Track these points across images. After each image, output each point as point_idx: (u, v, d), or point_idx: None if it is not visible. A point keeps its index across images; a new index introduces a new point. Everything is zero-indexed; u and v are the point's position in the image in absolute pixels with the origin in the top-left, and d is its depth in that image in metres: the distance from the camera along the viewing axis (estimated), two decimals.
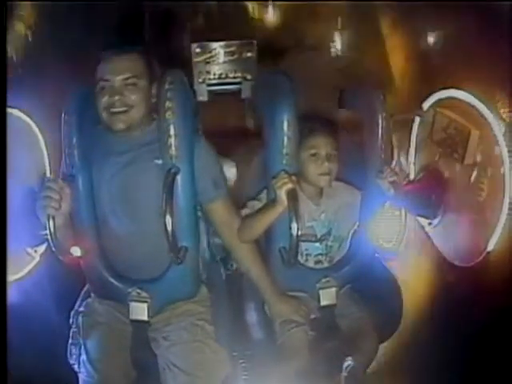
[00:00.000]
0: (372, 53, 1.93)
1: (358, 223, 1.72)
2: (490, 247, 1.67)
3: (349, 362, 1.67)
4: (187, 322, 1.57)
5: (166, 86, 1.48)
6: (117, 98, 1.49)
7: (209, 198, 1.60)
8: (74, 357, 1.58)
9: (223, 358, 1.56)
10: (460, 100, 1.79)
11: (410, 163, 2.11)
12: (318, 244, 1.70)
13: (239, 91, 2.13)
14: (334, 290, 1.69)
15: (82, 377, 1.51)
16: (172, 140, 1.47)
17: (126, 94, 1.50)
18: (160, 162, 1.51)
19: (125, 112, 1.50)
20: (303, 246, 1.68)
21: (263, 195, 1.64)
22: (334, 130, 1.63)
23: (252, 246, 1.65)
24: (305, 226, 1.65)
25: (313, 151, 1.61)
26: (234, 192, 1.70)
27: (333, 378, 1.71)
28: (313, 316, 1.70)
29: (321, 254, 1.72)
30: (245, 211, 1.64)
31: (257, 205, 1.63)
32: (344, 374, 1.68)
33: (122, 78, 1.50)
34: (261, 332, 1.73)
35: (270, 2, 2.24)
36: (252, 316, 1.77)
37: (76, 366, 1.56)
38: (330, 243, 1.72)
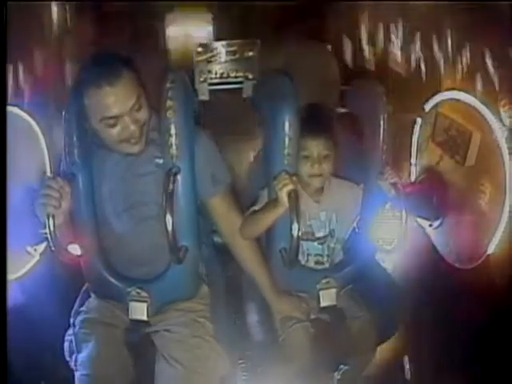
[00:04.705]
0: (374, 53, 1.93)
1: (357, 223, 1.72)
2: (491, 250, 1.67)
3: (344, 364, 1.67)
4: (188, 318, 1.57)
5: (168, 85, 1.46)
6: (133, 128, 1.41)
7: (208, 194, 1.59)
8: (73, 356, 1.58)
9: (222, 356, 1.55)
10: (462, 102, 1.79)
11: (411, 165, 2.11)
12: (316, 243, 1.69)
13: (241, 90, 2.12)
14: (334, 291, 1.69)
15: (79, 376, 1.51)
16: (173, 139, 1.47)
17: (137, 118, 1.42)
18: (161, 161, 1.50)
19: (140, 136, 1.45)
20: (304, 245, 1.68)
21: (264, 192, 1.64)
22: (327, 130, 1.60)
23: (251, 242, 1.65)
24: (305, 224, 1.65)
25: (305, 153, 1.59)
26: (235, 191, 1.69)
27: (330, 379, 1.71)
28: (313, 316, 1.70)
29: (320, 255, 1.71)
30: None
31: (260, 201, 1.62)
32: (337, 376, 1.69)
33: (129, 109, 1.39)
34: (261, 332, 1.73)
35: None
36: (252, 316, 1.77)
37: (74, 366, 1.56)
38: (332, 245, 1.71)
